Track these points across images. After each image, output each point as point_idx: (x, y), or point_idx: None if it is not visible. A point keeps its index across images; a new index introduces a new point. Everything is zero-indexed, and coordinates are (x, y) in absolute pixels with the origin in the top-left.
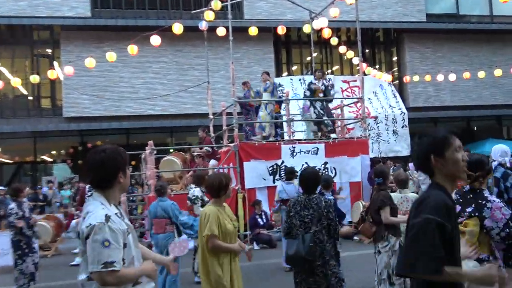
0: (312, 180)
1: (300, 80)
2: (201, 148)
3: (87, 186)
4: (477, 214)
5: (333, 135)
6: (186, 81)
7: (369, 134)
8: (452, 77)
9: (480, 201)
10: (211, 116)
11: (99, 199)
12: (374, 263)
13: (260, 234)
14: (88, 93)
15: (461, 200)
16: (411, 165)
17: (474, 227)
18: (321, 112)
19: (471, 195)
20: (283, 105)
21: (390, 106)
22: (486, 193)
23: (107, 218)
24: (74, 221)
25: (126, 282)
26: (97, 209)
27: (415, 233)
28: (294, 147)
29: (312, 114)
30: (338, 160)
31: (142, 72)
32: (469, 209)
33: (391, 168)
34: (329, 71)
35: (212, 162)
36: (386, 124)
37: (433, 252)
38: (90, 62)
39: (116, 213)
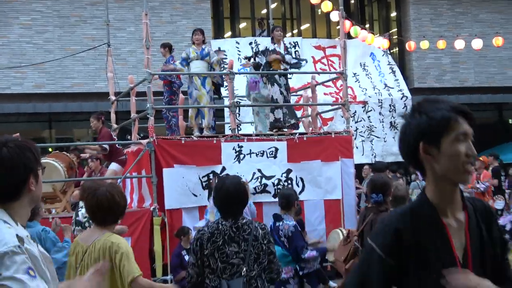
0: (235, 195)
1: (251, 43)
2: (97, 147)
3: None
4: None
5: (299, 129)
6: (73, 42)
7: (356, 128)
8: (478, 43)
9: None
10: (112, 97)
11: None
12: None
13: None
14: None
15: None
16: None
17: None
18: (282, 93)
19: None
20: (224, 82)
21: (386, 86)
22: None
23: (20, 239)
24: None
25: None
26: (1, 231)
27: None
28: (241, 147)
29: (264, 92)
30: (307, 167)
31: (3, 26)
32: None
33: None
34: (295, 31)
35: (113, 167)
36: (380, 113)
37: None
38: None
39: (27, 236)
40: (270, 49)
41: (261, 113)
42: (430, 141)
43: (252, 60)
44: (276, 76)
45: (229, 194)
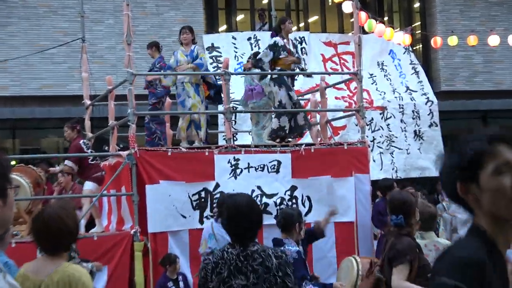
0: (246, 216)
1: (250, 39)
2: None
3: None
4: None
5: (305, 139)
6: (41, 37)
7: (373, 138)
8: None
9: None
10: (87, 101)
11: None
12: None
13: None
14: None
15: None
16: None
17: None
18: (291, 97)
19: None
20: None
21: (408, 89)
22: None
23: None
24: None
25: None
26: None
27: None
28: (238, 160)
29: (270, 99)
30: (316, 184)
31: None
32: None
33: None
34: (301, 24)
35: (89, 186)
36: (402, 121)
37: None
38: None
39: None
40: (280, 45)
41: (261, 123)
42: (465, 179)
43: (262, 57)
44: (285, 76)
45: (240, 214)
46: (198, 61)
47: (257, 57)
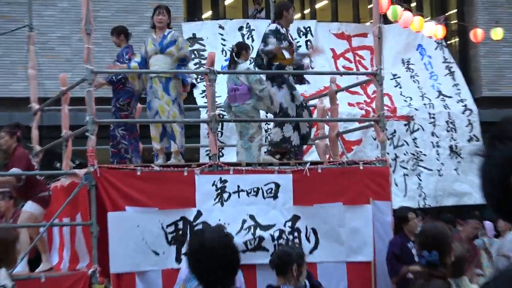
0: (216, 257)
1: (241, 29)
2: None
3: None
4: None
5: (310, 156)
6: None
7: (395, 156)
8: None
9: None
10: (34, 105)
11: None
12: None
13: None
14: None
15: None
16: (488, 225)
17: None
18: (296, 99)
19: None
20: (200, 83)
21: (441, 94)
22: None
23: None
24: None
25: None
26: None
27: None
28: (225, 181)
29: (259, 102)
30: (323, 213)
31: None
32: None
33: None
34: (306, 11)
35: (30, 208)
36: (433, 134)
37: None
38: None
39: None
40: (282, 33)
41: (246, 133)
42: None
43: (263, 47)
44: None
45: (210, 255)
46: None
47: (262, 48)
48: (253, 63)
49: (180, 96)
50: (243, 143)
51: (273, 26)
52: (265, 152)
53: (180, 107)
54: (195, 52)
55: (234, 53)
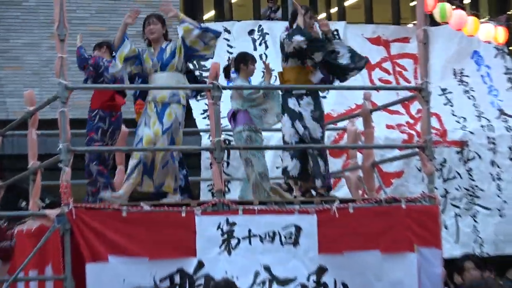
0: None
1: (252, 32)
2: None
3: None
4: None
5: (339, 192)
6: None
7: (445, 192)
8: None
9: None
10: None
11: None
12: None
13: None
14: None
15: None
16: None
17: None
18: (307, 127)
19: None
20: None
21: (503, 113)
22: None
23: None
24: None
25: None
26: None
27: None
28: (233, 224)
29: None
30: (356, 263)
31: None
32: None
33: None
34: (333, 10)
35: None
36: (493, 163)
37: None
38: None
39: None
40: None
41: (255, 161)
42: None
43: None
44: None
45: None
46: None
47: (293, 46)
48: None
49: (177, 126)
50: (249, 173)
51: (284, 35)
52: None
53: (173, 140)
54: (194, 62)
55: (229, 66)
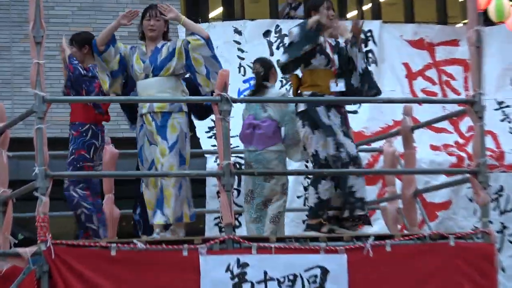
0: None
1: (268, 34)
2: None
3: None
4: None
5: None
6: None
7: (502, 227)
8: None
9: None
10: None
11: None
12: None
13: None
14: None
15: None
16: None
17: None
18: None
19: None
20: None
21: None
22: None
23: None
24: None
25: None
26: None
27: None
28: (245, 265)
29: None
30: None
31: None
32: None
33: None
34: (366, 7)
35: None
36: None
37: None
38: None
39: None
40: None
41: (258, 196)
42: None
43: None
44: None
45: None
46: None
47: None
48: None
49: (183, 139)
50: (250, 210)
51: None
52: (306, 228)
53: (182, 156)
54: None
55: (260, 74)
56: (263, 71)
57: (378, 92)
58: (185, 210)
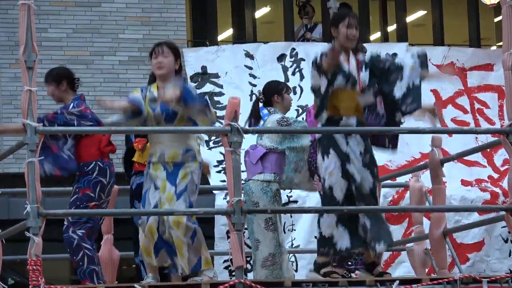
0: None
1: (283, 58)
2: None
3: None
4: None
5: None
6: None
7: None
8: None
9: None
10: None
11: None
12: None
13: None
14: None
15: None
16: None
17: None
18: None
19: None
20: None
21: None
22: None
23: None
24: None
25: None
26: None
27: None
28: None
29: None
30: None
31: None
32: None
33: None
34: (391, 28)
35: None
36: None
37: None
38: None
39: None
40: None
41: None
42: None
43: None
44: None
45: None
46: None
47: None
48: None
49: (193, 188)
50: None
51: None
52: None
53: (190, 203)
54: (206, 97)
55: (259, 100)
56: (263, 97)
57: (419, 106)
58: (205, 255)
